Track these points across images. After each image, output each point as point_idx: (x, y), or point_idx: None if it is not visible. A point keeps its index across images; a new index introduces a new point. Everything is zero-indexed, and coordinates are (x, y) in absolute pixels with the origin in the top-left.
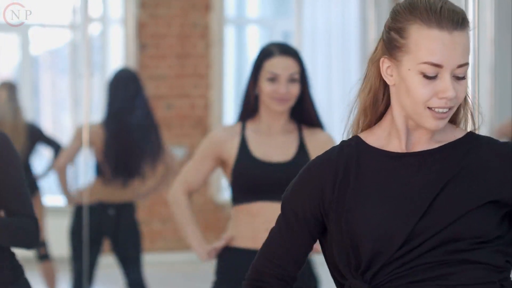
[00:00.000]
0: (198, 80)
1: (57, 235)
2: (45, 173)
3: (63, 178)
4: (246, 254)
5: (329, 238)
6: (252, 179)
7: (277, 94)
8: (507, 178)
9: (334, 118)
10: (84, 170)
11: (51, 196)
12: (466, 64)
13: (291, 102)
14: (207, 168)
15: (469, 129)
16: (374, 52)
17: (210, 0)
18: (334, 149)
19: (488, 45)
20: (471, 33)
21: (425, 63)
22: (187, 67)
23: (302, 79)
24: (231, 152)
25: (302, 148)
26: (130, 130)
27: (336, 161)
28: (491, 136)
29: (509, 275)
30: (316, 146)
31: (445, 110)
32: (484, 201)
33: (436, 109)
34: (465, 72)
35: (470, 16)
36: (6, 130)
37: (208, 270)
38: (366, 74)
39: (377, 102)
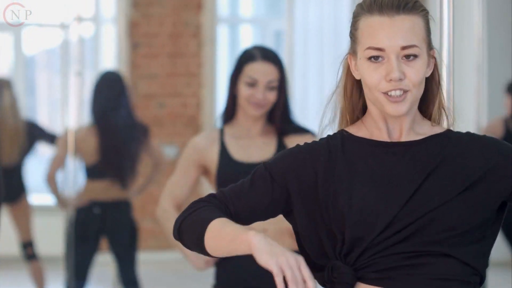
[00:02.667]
0: (190, 79)
1: (45, 234)
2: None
3: (54, 188)
4: (244, 259)
5: (309, 220)
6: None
7: (254, 99)
8: (487, 163)
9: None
10: (73, 174)
11: (39, 195)
12: (412, 46)
13: (267, 108)
14: (192, 178)
15: (444, 126)
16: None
17: None
18: (322, 139)
19: (475, 44)
20: (444, 30)
21: (368, 48)
22: (179, 66)
23: (281, 85)
24: (213, 158)
25: (281, 147)
26: (116, 129)
27: (323, 148)
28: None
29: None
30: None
31: (397, 93)
32: (461, 189)
33: (389, 93)
34: (415, 53)
35: (445, 14)
36: (6, 130)
37: None
38: (340, 76)
39: (353, 100)
